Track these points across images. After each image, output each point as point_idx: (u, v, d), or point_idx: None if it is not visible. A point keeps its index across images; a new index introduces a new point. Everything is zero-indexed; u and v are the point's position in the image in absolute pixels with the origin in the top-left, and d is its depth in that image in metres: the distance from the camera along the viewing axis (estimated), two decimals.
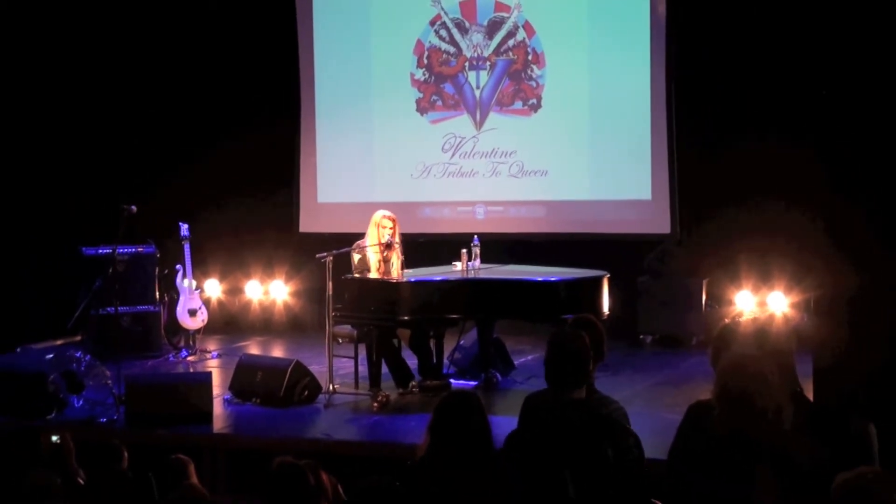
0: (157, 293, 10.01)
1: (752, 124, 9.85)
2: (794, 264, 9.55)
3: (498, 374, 8.38)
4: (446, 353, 8.51)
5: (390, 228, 8.07)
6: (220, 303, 11.33)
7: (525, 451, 4.17)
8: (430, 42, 10.95)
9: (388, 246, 8.02)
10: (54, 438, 5.20)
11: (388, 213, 8.18)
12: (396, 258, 8.09)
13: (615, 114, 10.43)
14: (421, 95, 11.00)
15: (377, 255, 8.09)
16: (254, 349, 10.22)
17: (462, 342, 8.70)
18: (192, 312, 9.78)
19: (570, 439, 4.12)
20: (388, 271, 8.08)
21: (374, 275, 8.07)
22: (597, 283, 8.09)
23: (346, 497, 4.36)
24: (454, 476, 4.07)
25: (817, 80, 9.26)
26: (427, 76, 10.98)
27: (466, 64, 10.86)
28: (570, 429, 4.15)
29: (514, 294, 8.02)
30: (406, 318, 7.87)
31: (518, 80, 10.72)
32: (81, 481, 5.05)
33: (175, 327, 9.94)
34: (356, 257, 8.16)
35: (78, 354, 8.12)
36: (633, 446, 4.17)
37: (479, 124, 10.85)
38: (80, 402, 7.62)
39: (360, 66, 11.17)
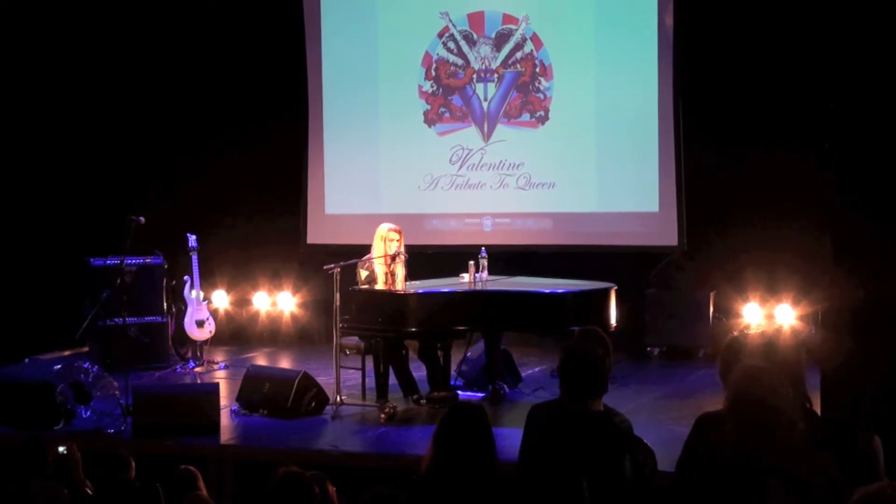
0: (165, 304, 10.02)
1: (760, 137, 9.83)
2: (801, 277, 9.52)
3: (505, 386, 8.37)
4: (454, 365, 8.51)
5: (397, 241, 8.08)
6: (227, 314, 11.34)
7: (541, 461, 4.16)
8: (438, 54, 10.97)
9: (394, 257, 8.03)
10: (61, 449, 5.20)
11: (393, 225, 8.19)
12: (401, 270, 8.10)
13: (622, 126, 10.44)
14: (429, 107, 11.02)
15: (383, 268, 8.10)
16: (261, 360, 10.22)
17: (469, 354, 8.70)
18: (200, 323, 9.80)
19: (588, 451, 4.10)
20: (394, 283, 8.09)
21: (380, 287, 8.08)
22: (604, 295, 8.09)
23: None
24: (458, 488, 4.06)
25: (825, 93, 9.22)
26: (435, 88, 11.00)
27: (474, 76, 10.88)
28: (588, 440, 4.14)
29: (521, 306, 8.03)
30: (413, 329, 7.89)
31: (526, 93, 10.74)
32: (89, 491, 5.06)
33: (183, 338, 9.95)
34: (363, 273, 8.16)
35: (86, 365, 8.12)
36: (648, 459, 4.16)
37: (486, 136, 10.86)
38: (88, 413, 7.63)
39: (368, 78, 11.19)
